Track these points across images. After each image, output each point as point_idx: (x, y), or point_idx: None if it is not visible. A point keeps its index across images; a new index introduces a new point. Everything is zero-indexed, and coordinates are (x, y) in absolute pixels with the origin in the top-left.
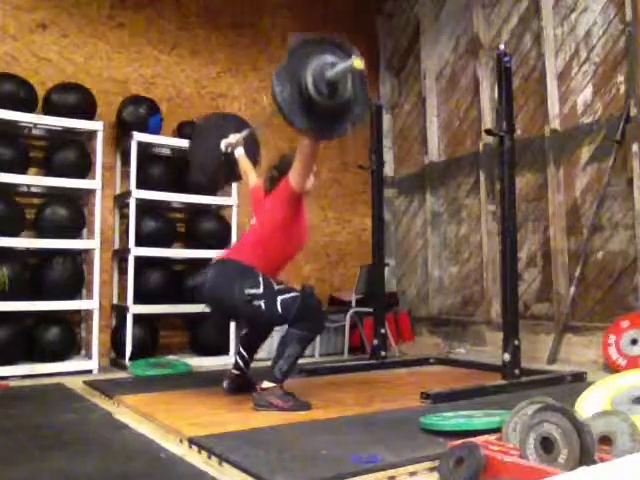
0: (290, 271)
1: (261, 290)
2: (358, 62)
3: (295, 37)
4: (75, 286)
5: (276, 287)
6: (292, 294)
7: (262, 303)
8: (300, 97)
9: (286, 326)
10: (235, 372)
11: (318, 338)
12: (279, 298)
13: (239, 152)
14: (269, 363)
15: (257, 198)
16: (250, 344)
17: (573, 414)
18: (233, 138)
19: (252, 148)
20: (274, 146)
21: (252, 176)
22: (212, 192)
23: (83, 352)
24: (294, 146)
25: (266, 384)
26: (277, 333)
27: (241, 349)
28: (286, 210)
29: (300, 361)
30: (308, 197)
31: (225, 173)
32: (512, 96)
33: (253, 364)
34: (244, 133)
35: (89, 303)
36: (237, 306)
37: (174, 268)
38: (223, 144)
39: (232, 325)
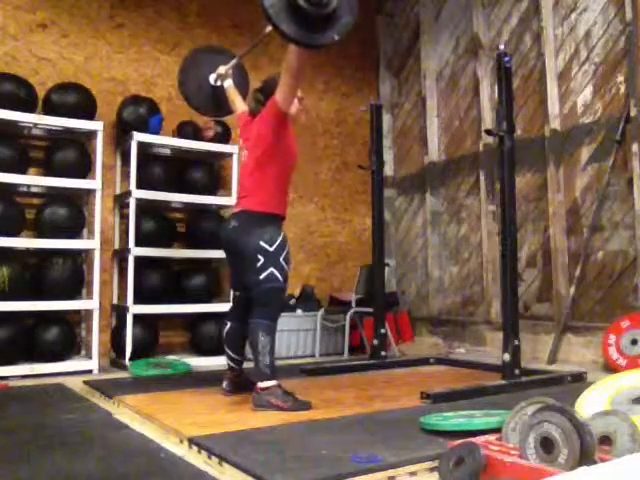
0: (290, 271)
1: (272, 249)
2: None
3: None
4: (75, 286)
5: (281, 260)
6: (279, 276)
7: (262, 259)
8: (287, 3)
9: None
10: (231, 373)
11: (318, 338)
12: (271, 269)
13: (228, 83)
14: None
15: (244, 123)
16: (233, 341)
17: (573, 414)
18: (222, 69)
19: (241, 80)
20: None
21: (239, 103)
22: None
23: (83, 352)
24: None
25: (264, 384)
26: None
27: (226, 349)
28: (274, 130)
29: (300, 361)
30: (294, 123)
31: (217, 104)
32: (512, 96)
33: (250, 364)
34: (232, 63)
35: (89, 303)
36: (248, 252)
37: (174, 268)
38: (212, 78)
39: None
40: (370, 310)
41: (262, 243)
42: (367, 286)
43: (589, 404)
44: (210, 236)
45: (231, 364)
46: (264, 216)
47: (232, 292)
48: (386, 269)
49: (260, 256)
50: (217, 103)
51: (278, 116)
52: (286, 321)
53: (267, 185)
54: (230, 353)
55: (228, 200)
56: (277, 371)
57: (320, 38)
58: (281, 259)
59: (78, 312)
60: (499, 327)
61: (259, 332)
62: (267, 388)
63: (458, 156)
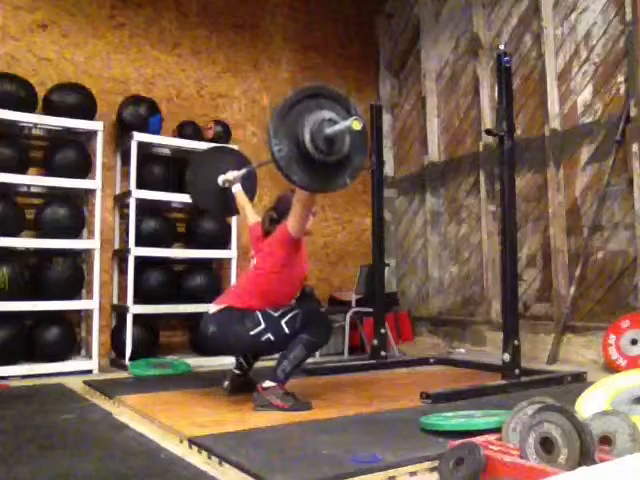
0: None
1: (263, 325)
2: (356, 124)
3: (294, 91)
4: (75, 286)
5: (275, 314)
6: (293, 312)
7: (269, 335)
8: (298, 153)
9: None
10: (236, 372)
11: None
12: (282, 322)
13: (237, 188)
14: (271, 363)
15: (255, 237)
16: None
17: (573, 414)
18: (231, 175)
19: (249, 184)
20: (274, 181)
21: (250, 213)
22: (215, 219)
23: (83, 352)
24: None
25: (267, 384)
26: None
27: None
28: (285, 254)
29: None
30: (308, 234)
31: (222, 207)
32: (512, 96)
33: (255, 364)
34: (242, 172)
35: (89, 303)
36: (248, 346)
37: (174, 268)
38: (220, 180)
39: None
40: (370, 310)
41: (253, 332)
42: (367, 286)
43: (589, 404)
44: (210, 236)
45: (243, 363)
46: (242, 311)
47: None
48: (386, 269)
49: (265, 337)
50: (223, 204)
51: (290, 242)
52: None
53: (260, 297)
54: (247, 354)
55: None
56: (288, 380)
57: (332, 184)
58: (274, 314)
59: (78, 312)
60: (499, 327)
61: (300, 345)
62: (268, 388)
63: (458, 156)
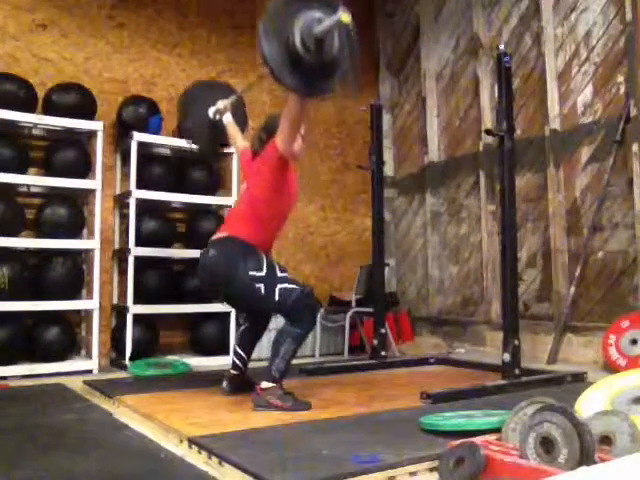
0: (290, 271)
1: (263, 273)
2: (345, 17)
3: None
4: (75, 286)
5: (279, 274)
6: (292, 285)
7: (262, 286)
8: (288, 54)
9: (280, 322)
10: (233, 372)
11: (318, 338)
12: (279, 286)
13: (227, 119)
14: (265, 363)
15: (245, 161)
16: (246, 343)
17: (573, 414)
18: (221, 104)
19: (240, 114)
20: (262, 108)
21: (239, 140)
22: (207, 157)
23: (83, 352)
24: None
25: (265, 384)
26: (268, 332)
27: (237, 348)
28: (274, 173)
29: (300, 361)
30: (297, 160)
31: (215, 139)
32: (512, 96)
33: (252, 364)
34: (231, 99)
35: (89, 303)
36: (237, 286)
37: (174, 268)
38: (211, 111)
39: (232, 326)
40: (370, 310)
41: (252, 272)
42: (367, 286)
43: (589, 404)
44: (210, 236)
45: (237, 362)
46: (246, 245)
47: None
48: (386, 269)
49: (258, 284)
50: (215, 137)
51: (278, 159)
52: None
53: (257, 223)
54: (240, 352)
55: (228, 200)
56: (284, 378)
57: (322, 87)
58: (279, 273)
59: (78, 312)
60: (499, 327)
61: (287, 338)
62: (267, 388)
63: (458, 156)
